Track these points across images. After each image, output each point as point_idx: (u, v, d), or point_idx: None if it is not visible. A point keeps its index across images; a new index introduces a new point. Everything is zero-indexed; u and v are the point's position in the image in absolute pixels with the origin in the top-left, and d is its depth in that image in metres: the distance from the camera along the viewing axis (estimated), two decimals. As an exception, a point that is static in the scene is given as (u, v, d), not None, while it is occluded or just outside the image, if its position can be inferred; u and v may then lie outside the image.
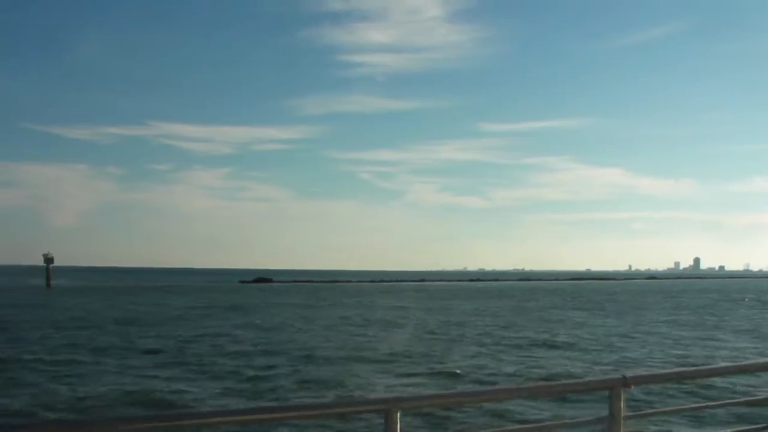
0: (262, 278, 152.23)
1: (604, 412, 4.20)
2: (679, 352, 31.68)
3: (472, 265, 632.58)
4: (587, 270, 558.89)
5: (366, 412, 3.65)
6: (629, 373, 4.27)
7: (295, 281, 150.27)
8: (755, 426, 5.22)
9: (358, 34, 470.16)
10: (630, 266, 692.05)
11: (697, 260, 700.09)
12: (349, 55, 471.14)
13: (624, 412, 4.15)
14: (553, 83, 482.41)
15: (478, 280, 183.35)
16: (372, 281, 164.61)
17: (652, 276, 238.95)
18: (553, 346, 34.59)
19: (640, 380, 4.54)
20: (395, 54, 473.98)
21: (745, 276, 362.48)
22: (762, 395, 5.41)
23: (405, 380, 23.88)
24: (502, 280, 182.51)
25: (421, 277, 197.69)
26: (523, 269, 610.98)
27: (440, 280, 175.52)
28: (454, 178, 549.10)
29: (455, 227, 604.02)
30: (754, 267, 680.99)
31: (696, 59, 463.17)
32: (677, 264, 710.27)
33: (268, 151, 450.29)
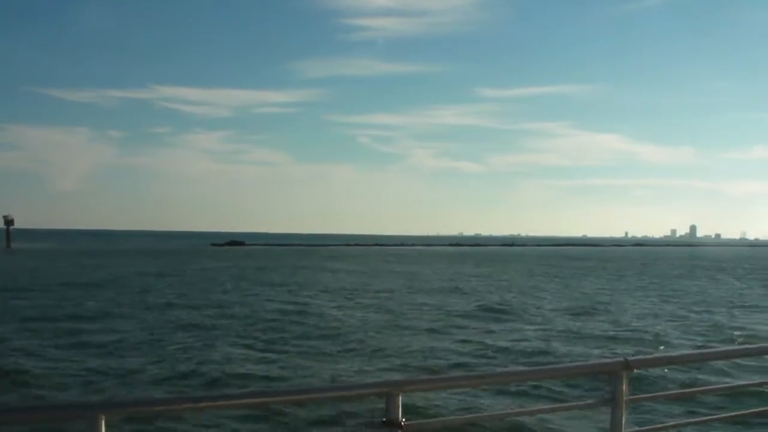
0: (234, 241, 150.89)
1: (607, 395, 4.13)
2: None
3: (469, 230, 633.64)
4: (583, 236, 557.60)
5: (367, 396, 3.72)
6: (631, 357, 4.23)
7: (269, 244, 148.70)
8: (761, 409, 5.26)
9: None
10: (626, 233, 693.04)
11: (693, 228, 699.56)
12: (350, 18, 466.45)
13: (626, 395, 4.09)
14: (552, 49, 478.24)
15: (458, 244, 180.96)
16: (357, 245, 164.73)
17: (639, 243, 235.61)
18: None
19: (642, 363, 4.89)
20: (396, 18, 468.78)
21: (740, 245, 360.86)
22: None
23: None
24: (483, 245, 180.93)
25: (411, 241, 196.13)
26: (519, 235, 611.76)
27: (422, 245, 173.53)
28: (453, 143, 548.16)
29: (452, 192, 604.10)
30: (751, 236, 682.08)
31: (696, 27, 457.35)
32: (674, 231, 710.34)
33: (268, 114, 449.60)
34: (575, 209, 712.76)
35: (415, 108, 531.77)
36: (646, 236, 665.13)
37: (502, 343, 23.45)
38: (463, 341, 23.94)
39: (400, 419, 3.47)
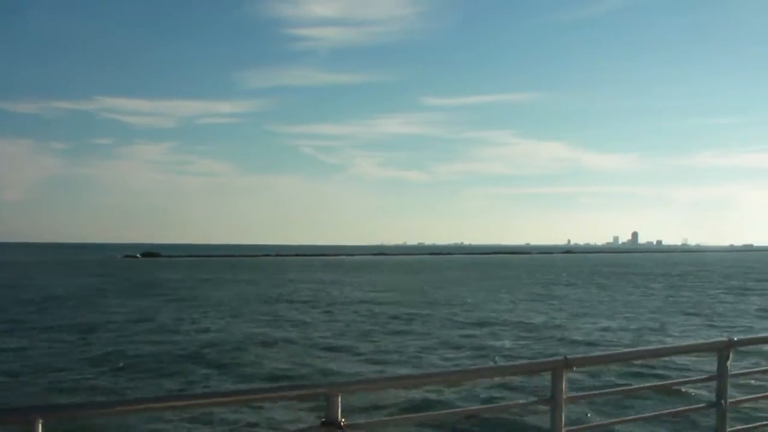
0: (149, 252, 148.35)
1: (547, 394, 4.15)
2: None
3: (412, 239, 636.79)
4: (527, 244, 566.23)
5: (306, 397, 3.30)
6: (571, 355, 4.20)
7: (189, 255, 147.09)
8: (697, 406, 5.53)
9: (303, 7, 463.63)
10: (569, 240, 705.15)
11: (635, 235, 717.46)
12: (294, 28, 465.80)
13: (566, 393, 4.11)
14: (496, 58, 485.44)
15: (381, 254, 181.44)
16: (277, 255, 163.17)
17: (568, 250, 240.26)
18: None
19: (582, 362, 4.68)
20: (340, 27, 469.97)
21: (674, 251, 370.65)
22: (704, 375, 5.15)
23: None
24: (408, 254, 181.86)
25: (346, 251, 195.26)
26: (462, 243, 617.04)
27: (345, 254, 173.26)
28: (397, 152, 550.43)
29: (397, 201, 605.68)
30: (692, 242, 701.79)
31: (639, 34, 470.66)
32: (616, 239, 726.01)
33: (212, 125, 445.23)
34: (520, 217, 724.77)
35: (359, 117, 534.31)
36: (588, 243, 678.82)
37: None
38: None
39: (339, 420, 3.43)
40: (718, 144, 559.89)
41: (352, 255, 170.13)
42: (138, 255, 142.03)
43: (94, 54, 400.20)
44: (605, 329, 29.73)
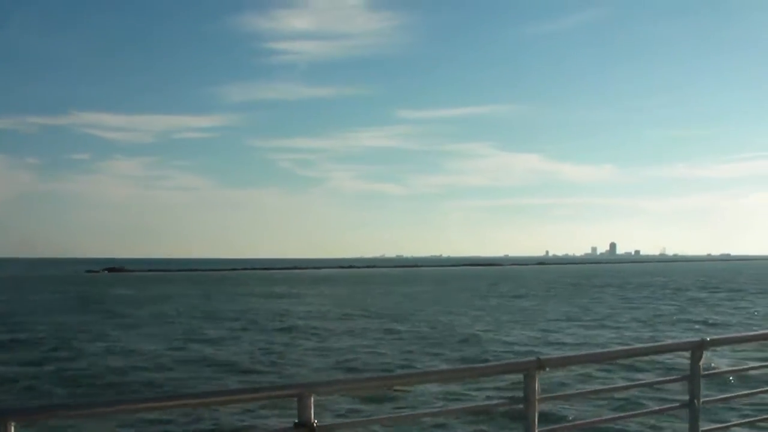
0: (113, 267, 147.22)
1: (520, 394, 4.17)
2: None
3: (391, 252, 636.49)
4: (505, 256, 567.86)
5: (278, 398, 3.74)
6: (544, 356, 4.23)
7: (154, 270, 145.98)
8: (670, 406, 5.54)
9: (280, 21, 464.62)
10: (547, 252, 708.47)
11: (613, 245, 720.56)
12: (270, 42, 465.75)
13: (538, 394, 4.12)
14: (472, 71, 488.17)
15: (350, 267, 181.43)
16: (244, 269, 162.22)
17: (541, 261, 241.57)
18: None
19: (555, 363, 4.68)
20: (316, 41, 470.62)
21: (651, 261, 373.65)
22: (677, 375, 5.19)
23: None
24: (377, 267, 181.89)
25: (315, 265, 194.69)
26: (441, 255, 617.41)
27: (313, 267, 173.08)
28: (374, 165, 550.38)
29: (375, 214, 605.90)
30: (670, 252, 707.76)
31: (614, 46, 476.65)
32: (594, 249, 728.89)
33: (190, 139, 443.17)
34: (498, 229, 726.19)
35: (336, 131, 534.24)
36: (567, 254, 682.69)
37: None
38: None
39: (312, 421, 3.41)
40: (693, 155, 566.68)
41: (319, 268, 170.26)
42: (99, 270, 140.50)
43: (70, 69, 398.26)
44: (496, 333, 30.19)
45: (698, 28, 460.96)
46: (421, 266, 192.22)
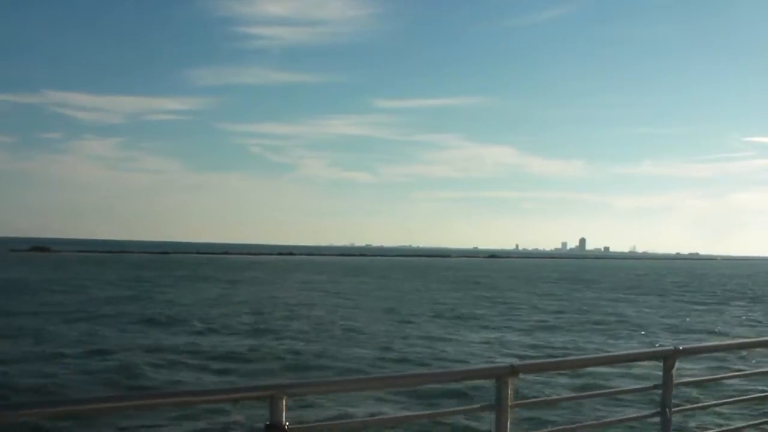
0: (38, 247, 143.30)
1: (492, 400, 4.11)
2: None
3: (361, 240, 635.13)
4: (474, 248, 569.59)
5: (250, 399, 3.61)
6: (517, 362, 4.23)
7: (80, 251, 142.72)
8: (641, 414, 5.54)
9: (256, 6, 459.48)
10: (517, 245, 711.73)
11: (582, 241, 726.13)
12: (245, 26, 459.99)
13: (512, 400, 4.09)
14: (446, 62, 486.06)
15: (290, 254, 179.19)
16: (198, 252, 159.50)
17: (493, 255, 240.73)
18: None
19: (528, 369, 4.71)
20: (292, 27, 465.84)
21: (620, 257, 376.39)
22: (649, 384, 5.06)
23: None
24: (322, 255, 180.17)
25: (262, 251, 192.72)
26: (410, 245, 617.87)
27: (246, 253, 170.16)
28: (345, 153, 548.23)
29: (346, 202, 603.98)
30: (640, 249, 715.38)
31: (586, 42, 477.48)
32: (564, 244, 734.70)
33: (160, 121, 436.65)
34: (467, 221, 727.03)
35: (308, 117, 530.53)
36: (537, 249, 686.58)
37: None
38: None
39: (284, 423, 3.38)
40: (661, 153, 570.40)
41: (257, 254, 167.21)
42: (27, 249, 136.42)
43: (42, 49, 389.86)
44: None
45: (670, 25, 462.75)
46: (369, 255, 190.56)
